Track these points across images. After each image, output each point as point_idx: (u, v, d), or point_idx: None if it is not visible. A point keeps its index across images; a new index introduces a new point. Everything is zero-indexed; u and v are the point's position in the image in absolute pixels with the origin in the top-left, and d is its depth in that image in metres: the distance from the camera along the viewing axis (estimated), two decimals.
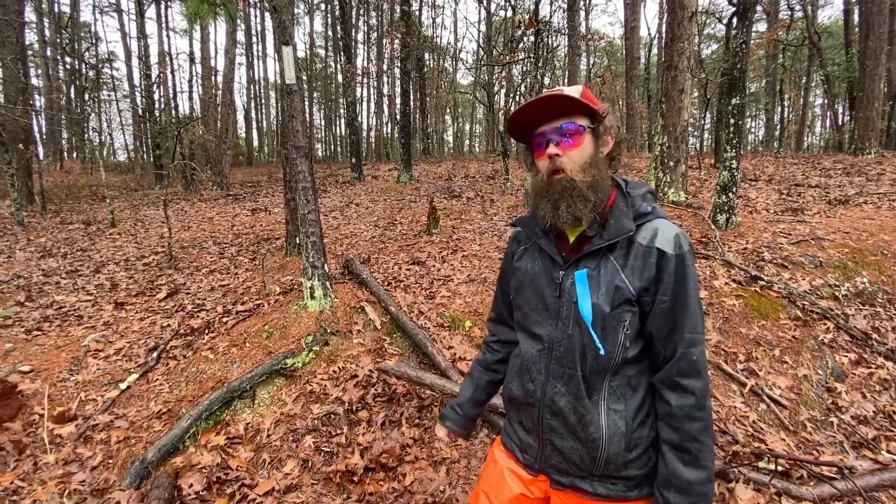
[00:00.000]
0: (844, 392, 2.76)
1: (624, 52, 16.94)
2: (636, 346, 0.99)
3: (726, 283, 3.60)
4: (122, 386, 2.96)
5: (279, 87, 3.94)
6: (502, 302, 1.27)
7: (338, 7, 10.91)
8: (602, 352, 0.97)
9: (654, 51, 18.53)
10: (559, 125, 1.00)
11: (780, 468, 2.22)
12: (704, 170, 9.24)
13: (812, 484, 2.16)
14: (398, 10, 11.69)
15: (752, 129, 32.91)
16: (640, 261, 0.96)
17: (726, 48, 4.48)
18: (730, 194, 4.61)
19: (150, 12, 15.66)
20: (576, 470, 1.02)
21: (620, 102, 20.00)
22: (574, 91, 1.00)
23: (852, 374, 2.91)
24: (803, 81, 18.67)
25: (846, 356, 2.99)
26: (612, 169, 1.06)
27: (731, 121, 4.63)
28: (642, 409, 1.00)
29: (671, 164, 5.91)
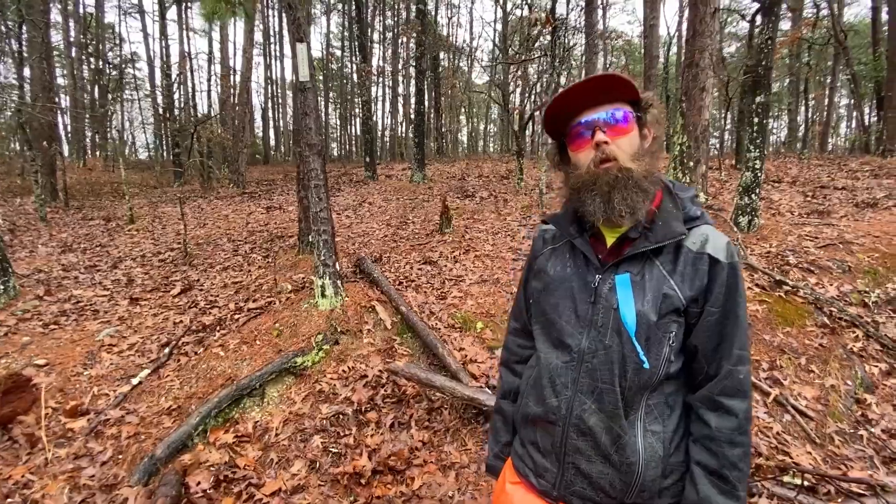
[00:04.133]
0: (875, 404, 2.63)
1: (642, 50, 16.67)
2: (678, 361, 0.91)
3: (749, 288, 3.47)
4: (134, 381, 2.98)
5: (294, 85, 3.92)
6: (524, 309, 1.14)
7: (354, 7, 10.94)
8: (646, 365, 0.87)
9: (674, 49, 18.20)
10: (608, 111, 0.91)
11: (806, 483, 2.11)
12: (725, 171, 9.01)
13: (840, 501, 2.04)
14: (413, 10, 11.67)
15: (775, 130, 32.12)
16: (691, 268, 0.88)
17: (749, 45, 4.34)
18: (752, 196, 4.46)
19: (171, 13, 15.93)
20: (603, 497, 0.91)
21: None
22: (617, 73, 0.92)
23: (883, 385, 2.77)
24: (828, 81, 18.12)
25: (877, 366, 2.85)
26: (655, 161, 0.97)
27: (756, 119, 4.48)
28: (678, 430, 0.92)
29: (691, 164, 5.75)
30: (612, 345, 0.90)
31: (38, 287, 4.58)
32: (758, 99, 4.43)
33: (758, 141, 4.45)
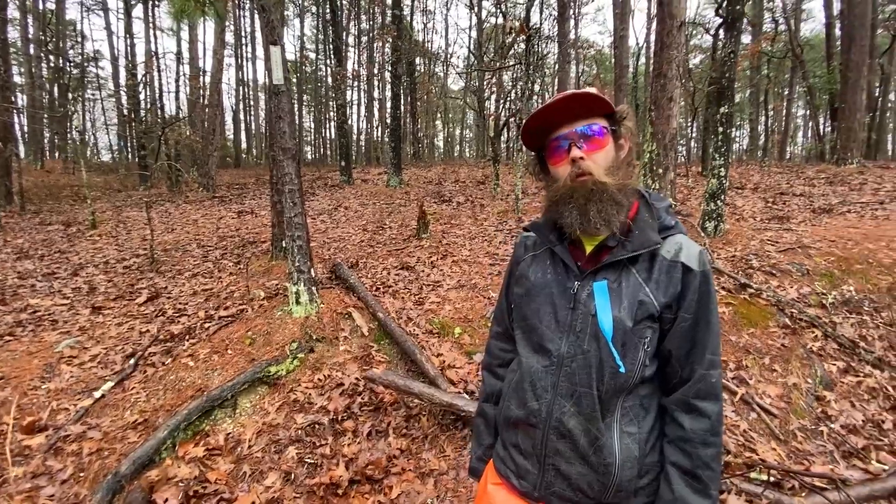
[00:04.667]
0: (833, 401, 2.76)
1: (613, 60, 17.14)
2: (653, 365, 0.95)
3: (716, 291, 3.60)
4: (97, 394, 2.84)
5: (267, 88, 3.86)
6: (506, 314, 1.16)
7: (329, 10, 10.85)
8: (622, 369, 0.90)
9: (643, 60, 18.79)
10: (581, 127, 0.94)
11: (772, 479, 2.20)
12: (692, 178, 9.34)
13: (804, 495, 2.13)
14: (389, 15, 11.67)
15: (737, 139, 33.55)
16: (665, 275, 0.92)
17: (713, 58, 4.53)
18: (718, 202, 4.64)
19: (138, 11, 15.40)
20: (582, 497, 0.94)
21: None
22: (591, 90, 0.94)
23: (841, 382, 2.91)
24: (786, 92, 19.08)
25: (834, 364, 3.00)
26: (630, 172, 1.00)
27: (720, 129, 4.67)
28: (653, 431, 0.96)
29: (660, 171, 5.93)
30: (590, 350, 0.92)
31: None
32: (722, 109, 4.62)
33: (722, 149, 4.64)
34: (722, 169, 4.60)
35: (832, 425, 2.60)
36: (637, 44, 18.72)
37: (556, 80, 12.94)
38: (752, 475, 2.25)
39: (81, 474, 2.32)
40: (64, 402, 2.80)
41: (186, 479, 2.28)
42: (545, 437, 0.96)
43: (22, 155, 16.54)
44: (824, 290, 3.58)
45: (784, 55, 13.93)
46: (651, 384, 0.97)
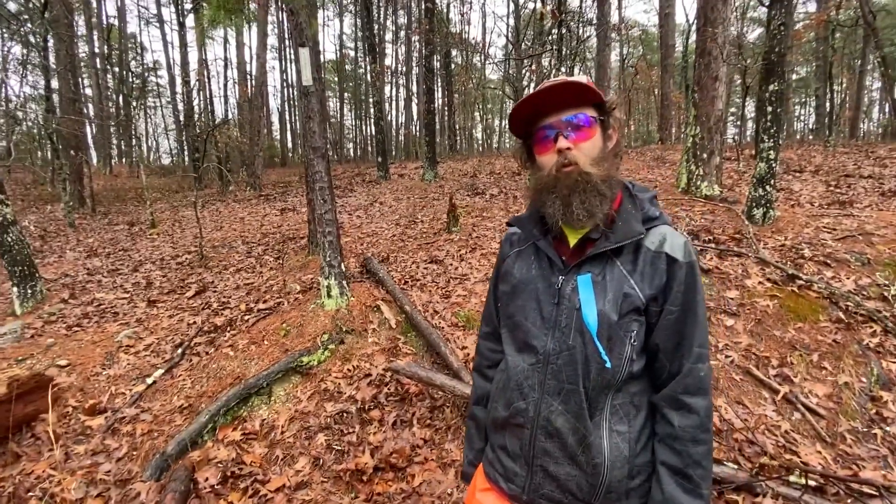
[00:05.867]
0: (891, 401, 2.53)
1: (659, 40, 16.27)
2: (640, 360, 0.92)
3: (760, 283, 3.38)
4: (149, 381, 3.09)
5: (298, 88, 4.00)
6: (495, 313, 1.14)
7: (364, 7, 11.01)
8: (608, 364, 0.88)
9: (693, 37, 17.70)
10: (569, 116, 0.92)
11: (813, 483, 2.06)
12: (744, 161, 8.75)
13: (849, 502, 1.99)
14: (423, 8, 11.68)
15: (802, 117, 30.98)
16: (650, 267, 0.90)
17: (767, 31, 4.18)
18: (767, 187, 4.33)
19: (190, 21, 16.32)
20: (571, 499, 0.92)
21: (656, 92, 19.26)
22: (581, 80, 0.93)
23: None
24: (858, 64, 17.34)
25: (894, 363, 2.74)
26: (616, 162, 0.99)
27: (769, 108, 4.34)
28: (645, 430, 0.93)
29: (704, 156, 5.62)
30: (575, 345, 0.91)
31: (63, 291, 4.79)
32: (771, 87, 4.28)
33: (772, 130, 4.31)
34: (771, 151, 4.28)
35: (888, 428, 2.39)
36: (687, 20, 17.66)
37: (596, 64, 12.47)
38: (791, 478, 2.11)
39: (134, 453, 2.55)
40: (121, 387, 3.08)
41: (225, 460, 2.45)
42: (533, 438, 0.94)
43: (93, 161, 18.09)
44: (887, 282, 3.27)
45: (854, 23, 12.66)
46: (641, 381, 0.94)
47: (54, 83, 10.27)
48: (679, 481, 0.87)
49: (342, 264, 3.65)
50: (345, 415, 2.78)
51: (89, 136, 18.61)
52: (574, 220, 0.92)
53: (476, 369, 1.21)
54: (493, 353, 1.16)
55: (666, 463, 0.89)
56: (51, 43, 9.77)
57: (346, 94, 27.20)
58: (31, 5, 11.64)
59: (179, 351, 3.39)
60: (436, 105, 10.78)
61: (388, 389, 2.94)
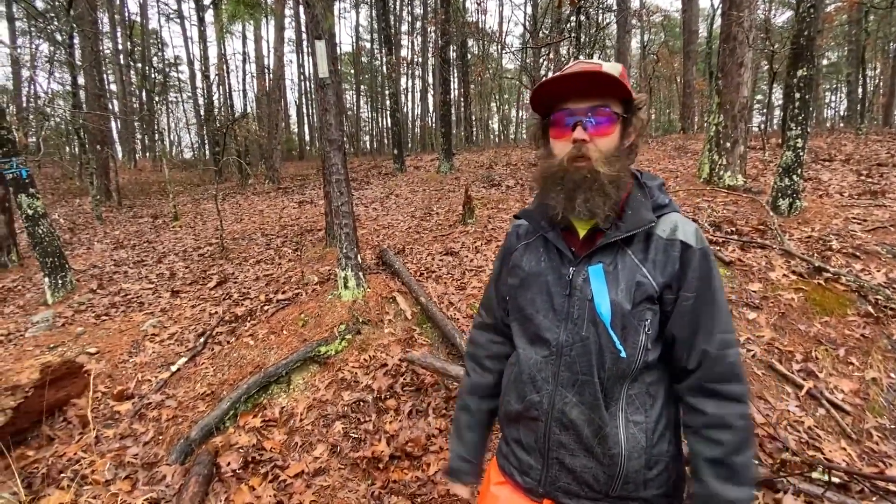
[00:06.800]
0: None
1: (682, 25, 15.82)
2: (656, 349, 0.91)
3: (784, 275, 3.29)
4: (173, 368, 3.19)
5: (314, 81, 4.02)
6: (497, 305, 1.12)
7: None
8: (623, 354, 0.87)
9: (718, 22, 17.13)
10: (592, 106, 0.89)
11: (836, 480, 2.01)
12: (770, 151, 8.47)
13: (874, 500, 1.93)
14: None
15: (832, 104, 29.79)
16: (662, 254, 0.89)
17: (796, 14, 4.01)
18: (794, 177, 4.19)
19: (209, 16, 16.53)
20: (588, 491, 0.91)
21: (678, 80, 18.75)
22: (613, 70, 0.89)
23: None
24: (893, 48, 16.55)
25: None
26: (630, 161, 0.97)
27: (797, 95, 4.19)
28: (661, 420, 0.91)
29: (728, 145, 5.47)
30: (588, 336, 0.90)
31: (92, 281, 4.96)
32: (799, 72, 4.13)
33: (800, 118, 4.16)
34: (799, 140, 4.13)
35: None
36: (711, 5, 17.08)
37: (616, 51, 12.19)
38: (814, 475, 2.07)
39: (160, 437, 2.64)
40: (147, 374, 3.18)
41: (246, 446, 2.52)
42: (548, 430, 0.93)
43: (119, 155, 18.58)
44: None
45: (889, 5, 12.07)
46: (657, 371, 0.93)
47: (80, 79, 10.56)
48: (720, 472, 0.85)
49: (358, 256, 3.69)
50: (361, 403, 2.83)
51: (114, 132, 19.08)
52: (574, 216, 0.92)
53: (472, 358, 1.18)
54: (493, 343, 1.15)
55: (704, 456, 0.87)
56: (76, 40, 10.02)
57: (362, 87, 27.23)
58: (56, 3, 11.94)
59: (202, 340, 3.48)
60: (452, 96, 10.73)
61: (404, 379, 2.97)
